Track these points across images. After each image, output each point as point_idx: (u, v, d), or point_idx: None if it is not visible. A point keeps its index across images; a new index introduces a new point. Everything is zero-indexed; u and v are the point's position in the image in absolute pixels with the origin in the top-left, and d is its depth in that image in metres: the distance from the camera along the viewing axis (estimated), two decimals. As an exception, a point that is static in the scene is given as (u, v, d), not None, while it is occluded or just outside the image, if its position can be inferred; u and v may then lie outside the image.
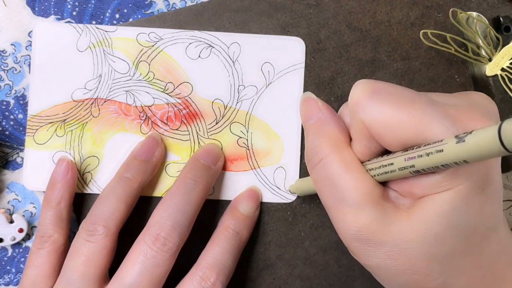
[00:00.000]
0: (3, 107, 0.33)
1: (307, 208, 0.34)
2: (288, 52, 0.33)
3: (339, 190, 0.24)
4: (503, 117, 0.33)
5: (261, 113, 0.33)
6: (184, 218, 0.29)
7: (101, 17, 0.33)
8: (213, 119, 0.33)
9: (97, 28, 0.32)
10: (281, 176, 0.33)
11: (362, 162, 0.26)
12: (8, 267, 0.34)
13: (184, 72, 0.33)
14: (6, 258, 0.34)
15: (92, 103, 0.33)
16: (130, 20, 0.33)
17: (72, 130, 0.33)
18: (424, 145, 0.22)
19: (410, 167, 0.23)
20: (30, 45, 0.33)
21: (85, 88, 0.32)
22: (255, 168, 0.33)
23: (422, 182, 0.23)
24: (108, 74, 0.33)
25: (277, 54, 0.33)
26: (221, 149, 0.33)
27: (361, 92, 0.24)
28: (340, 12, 0.33)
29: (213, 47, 0.33)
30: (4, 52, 0.33)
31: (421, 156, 0.22)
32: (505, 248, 0.26)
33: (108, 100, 0.33)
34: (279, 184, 0.33)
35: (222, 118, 0.33)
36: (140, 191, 0.31)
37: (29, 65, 0.33)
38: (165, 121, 0.33)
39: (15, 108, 0.33)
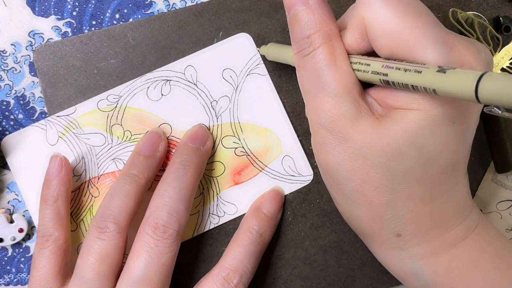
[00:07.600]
0: (3, 107, 0.33)
1: (307, 208, 0.34)
2: (240, 50, 0.33)
3: (324, 80, 0.25)
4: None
5: (244, 116, 0.33)
6: (179, 203, 0.29)
7: (101, 17, 0.33)
8: None
9: (58, 116, 0.32)
10: (290, 163, 0.33)
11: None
12: (8, 267, 0.34)
13: (156, 116, 0.33)
14: (6, 258, 0.34)
15: (88, 185, 0.33)
16: (130, 20, 0.33)
17: (82, 219, 0.33)
18: (407, 61, 0.22)
19: (384, 74, 0.23)
20: (30, 45, 0.33)
21: (74, 175, 0.33)
22: (263, 169, 0.33)
23: (398, 94, 0.24)
24: (89, 153, 0.33)
25: (231, 57, 0.33)
26: (209, 131, 0.33)
27: None
28: (340, 12, 0.33)
29: (170, 80, 0.33)
30: (4, 52, 0.33)
31: (399, 69, 0.22)
32: (459, 194, 0.26)
33: (101, 175, 0.33)
34: (291, 171, 0.33)
35: None
36: (147, 187, 0.31)
37: (29, 65, 0.33)
38: (163, 168, 0.32)
39: (15, 108, 0.33)
